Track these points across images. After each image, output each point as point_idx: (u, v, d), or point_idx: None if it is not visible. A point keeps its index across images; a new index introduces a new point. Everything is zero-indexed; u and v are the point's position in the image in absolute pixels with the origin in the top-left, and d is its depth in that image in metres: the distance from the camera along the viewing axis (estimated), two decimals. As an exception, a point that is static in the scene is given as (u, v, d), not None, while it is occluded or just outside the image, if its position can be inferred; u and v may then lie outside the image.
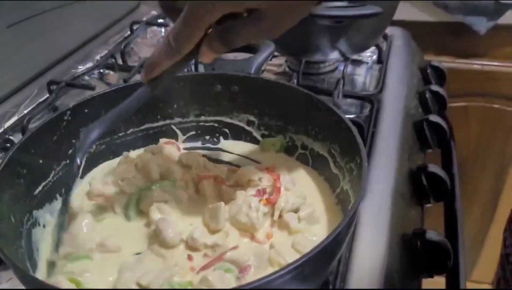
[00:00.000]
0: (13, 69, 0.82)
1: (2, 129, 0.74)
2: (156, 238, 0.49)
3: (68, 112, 0.56)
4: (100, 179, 0.56)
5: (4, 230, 0.45)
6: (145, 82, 0.47)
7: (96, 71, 0.89)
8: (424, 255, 0.59)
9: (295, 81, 0.81)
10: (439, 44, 1.26)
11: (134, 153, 0.62)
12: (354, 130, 0.49)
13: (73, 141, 0.57)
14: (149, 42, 1.04)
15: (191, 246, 0.48)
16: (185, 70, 0.81)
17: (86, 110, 0.57)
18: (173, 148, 0.62)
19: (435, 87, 0.89)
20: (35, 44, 0.87)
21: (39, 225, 0.51)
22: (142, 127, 0.63)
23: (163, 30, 1.07)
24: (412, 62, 0.95)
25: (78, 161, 0.44)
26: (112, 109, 0.47)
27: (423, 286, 0.64)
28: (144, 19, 1.10)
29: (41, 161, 0.53)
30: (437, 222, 0.70)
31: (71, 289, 0.44)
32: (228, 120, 0.64)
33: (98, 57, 0.95)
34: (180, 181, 0.55)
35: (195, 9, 0.41)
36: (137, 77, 0.81)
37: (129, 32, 1.04)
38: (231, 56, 0.72)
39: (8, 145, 0.70)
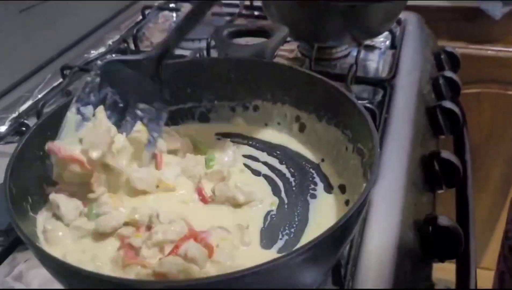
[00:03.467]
0: (27, 53, 0.83)
1: (17, 113, 0.75)
2: None
3: (82, 96, 0.56)
4: None
5: (21, 211, 0.45)
6: None
7: (108, 56, 0.89)
8: (435, 241, 0.59)
9: (307, 66, 0.81)
10: (453, 29, 1.24)
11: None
12: (367, 115, 0.49)
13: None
14: (161, 27, 1.04)
15: None
16: (197, 54, 0.81)
17: (100, 94, 0.58)
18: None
19: (448, 73, 0.88)
20: (48, 29, 0.87)
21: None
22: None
23: (174, 14, 1.07)
24: (425, 47, 0.94)
25: None
26: None
27: (433, 271, 0.64)
28: (156, 4, 1.10)
29: (56, 144, 0.53)
30: (449, 208, 0.70)
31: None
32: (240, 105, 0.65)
33: (110, 42, 0.95)
34: None
35: None
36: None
37: (140, 17, 1.04)
38: (243, 41, 0.72)
39: (24, 129, 0.71)
